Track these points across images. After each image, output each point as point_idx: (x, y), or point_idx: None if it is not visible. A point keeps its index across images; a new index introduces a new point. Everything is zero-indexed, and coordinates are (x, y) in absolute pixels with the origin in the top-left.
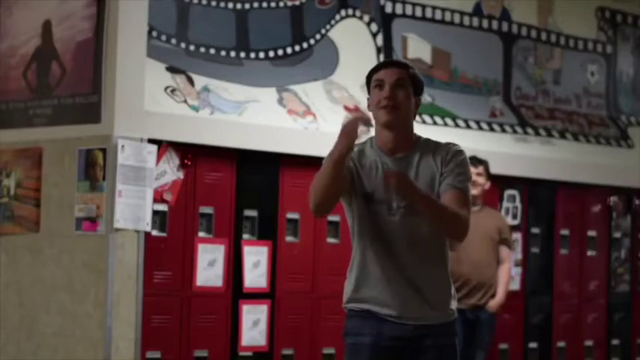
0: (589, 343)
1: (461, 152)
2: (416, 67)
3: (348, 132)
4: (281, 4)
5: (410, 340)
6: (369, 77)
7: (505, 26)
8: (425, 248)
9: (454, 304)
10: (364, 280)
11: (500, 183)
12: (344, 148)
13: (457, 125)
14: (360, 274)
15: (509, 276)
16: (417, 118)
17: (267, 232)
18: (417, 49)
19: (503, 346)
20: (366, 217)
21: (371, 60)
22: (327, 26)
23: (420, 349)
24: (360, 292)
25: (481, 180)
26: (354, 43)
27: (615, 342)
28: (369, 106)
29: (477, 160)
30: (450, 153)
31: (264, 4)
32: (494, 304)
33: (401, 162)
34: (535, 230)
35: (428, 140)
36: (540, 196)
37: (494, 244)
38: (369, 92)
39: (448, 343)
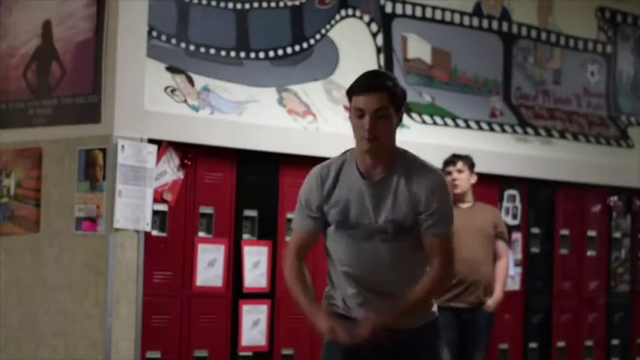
0: (589, 343)
1: (446, 191)
2: (416, 67)
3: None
4: (281, 4)
5: (385, 348)
6: (349, 94)
7: (505, 26)
8: (401, 268)
9: (434, 307)
10: (336, 294)
11: (501, 183)
12: (320, 329)
13: (457, 125)
14: (332, 289)
15: (506, 272)
16: (417, 117)
17: (267, 232)
18: (417, 49)
19: (503, 346)
20: (338, 240)
21: (371, 60)
22: (327, 26)
23: (397, 353)
24: (332, 303)
25: (463, 176)
26: (354, 43)
27: (615, 342)
28: (350, 117)
29: (456, 157)
30: (435, 193)
31: (264, 4)
32: (492, 302)
33: (377, 186)
34: (535, 230)
35: (413, 161)
36: (540, 196)
37: (490, 240)
38: (349, 101)
39: (429, 343)
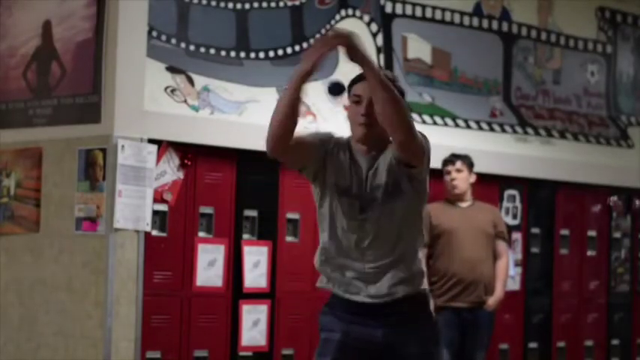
0: (589, 343)
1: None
2: (416, 67)
3: (313, 53)
4: (281, 4)
5: (379, 346)
6: (349, 87)
7: (505, 26)
8: (390, 245)
9: (424, 284)
10: (327, 263)
11: (501, 183)
12: (308, 66)
13: (457, 125)
14: (325, 257)
15: (507, 271)
16: (418, 118)
17: (267, 232)
18: (417, 49)
19: (504, 346)
20: (335, 208)
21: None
22: (327, 26)
23: (391, 352)
24: (325, 272)
25: (462, 176)
26: None
27: (615, 342)
28: (348, 108)
29: (454, 156)
30: None
31: (264, 4)
32: (492, 301)
33: (368, 159)
34: (535, 230)
35: None
36: (540, 196)
37: (489, 239)
38: (349, 95)
39: (427, 350)
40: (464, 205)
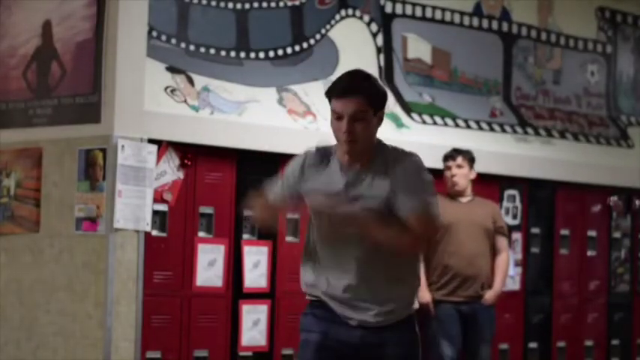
0: (589, 343)
1: (423, 172)
2: (416, 67)
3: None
4: (281, 4)
5: (357, 346)
6: (328, 95)
7: (505, 26)
8: (380, 264)
9: (415, 304)
10: (313, 274)
11: (501, 183)
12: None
13: (457, 125)
14: (311, 268)
15: (506, 266)
16: (418, 117)
17: (267, 232)
18: (417, 49)
19: (504, 346)
20: (321, 221)
21: (371, 60)
22: (327, 26)
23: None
24: (310, 283)
25: (462, 171)
26: (354, 43)
27: (615, 342)
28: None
29: (456, 152)
30: (411, 172)
31: (264, 4)
32: (489, 295)
33: (354, 178)
34: (535, 230)
35: (391, 150)
36: (540, 196)
37: (488, 234)
38: (329, 102)
39: (405, 339)
40: (464, 200)
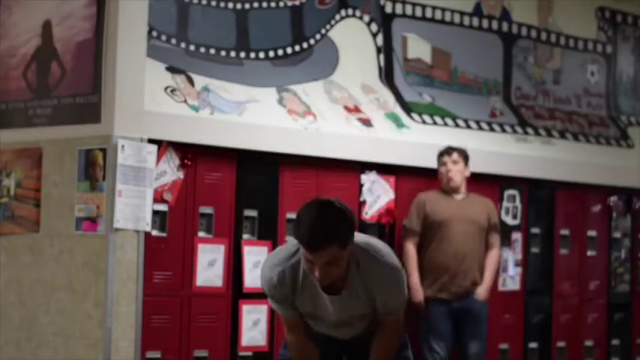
0: (589, 343)
1: (401, 283)
2: (416, 67)
3: None
4: (281, 4)
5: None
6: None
7: (505, 26)
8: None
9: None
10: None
11: (501, 183)
12: None
13: (457, 125)
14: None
15: (497, 261)
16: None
17: (267, 232)
18: (417, 49)
19: (504, 346)
20: (317, 322)
21: (371, 60)
22: (327, 26)
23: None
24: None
25: (458, 167)
26: (354, 43)
27: (615, 342)
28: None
29: (451, 148)
30: (390, 291)
31: (264, 4)
32: (481, 290)
33: (338, 297)
34: (535, 230)
35: (368, 258)
36: (540, 196)
37: (481, 231)
38: None
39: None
40: (458, 197)
